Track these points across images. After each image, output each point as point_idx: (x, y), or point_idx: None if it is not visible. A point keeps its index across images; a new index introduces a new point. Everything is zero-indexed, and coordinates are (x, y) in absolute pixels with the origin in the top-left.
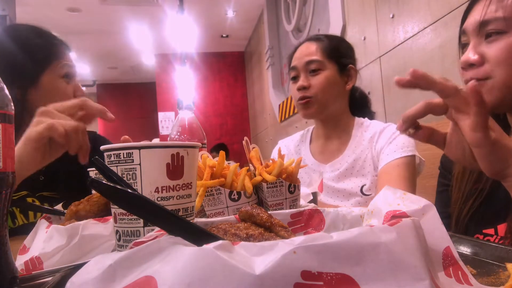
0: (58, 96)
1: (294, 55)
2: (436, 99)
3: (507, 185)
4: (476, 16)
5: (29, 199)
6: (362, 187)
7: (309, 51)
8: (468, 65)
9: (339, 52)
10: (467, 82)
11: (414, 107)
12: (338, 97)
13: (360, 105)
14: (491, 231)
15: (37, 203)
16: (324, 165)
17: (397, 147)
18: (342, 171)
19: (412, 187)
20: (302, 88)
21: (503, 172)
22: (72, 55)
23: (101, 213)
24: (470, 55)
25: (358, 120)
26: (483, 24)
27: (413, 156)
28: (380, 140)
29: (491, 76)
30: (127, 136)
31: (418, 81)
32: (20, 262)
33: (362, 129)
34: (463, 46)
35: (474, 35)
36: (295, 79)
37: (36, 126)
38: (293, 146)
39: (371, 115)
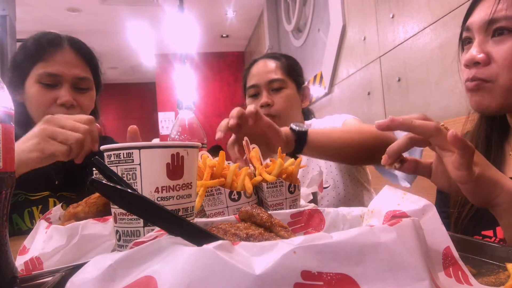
0: (34, 102)
1: (250, 72)
2: None
3: (496, 213)
4: (482, 13)
5: (51, 200)
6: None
7: (269, 69)
8: (473, 63)
9: (296, 71)
10: (469, 80)
11: (397, 142)
12: (298, 114)
13: (307, 118)
14: (489, 233)
15: (58, 203)
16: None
17: (339, 118)
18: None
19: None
20: (266, 105)
21: (490, 202)
22: (69, 56)
23: (100, 214)
24: (476, 53)
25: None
26: (491, 22)
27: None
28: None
29: (495, 79)
30: (134, 126)
31: (398, 128)
32: (20, 262)
33: None
34: (464, 42)
35: (481, 33)
36: (255, 96)
37: (39, 144)
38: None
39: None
